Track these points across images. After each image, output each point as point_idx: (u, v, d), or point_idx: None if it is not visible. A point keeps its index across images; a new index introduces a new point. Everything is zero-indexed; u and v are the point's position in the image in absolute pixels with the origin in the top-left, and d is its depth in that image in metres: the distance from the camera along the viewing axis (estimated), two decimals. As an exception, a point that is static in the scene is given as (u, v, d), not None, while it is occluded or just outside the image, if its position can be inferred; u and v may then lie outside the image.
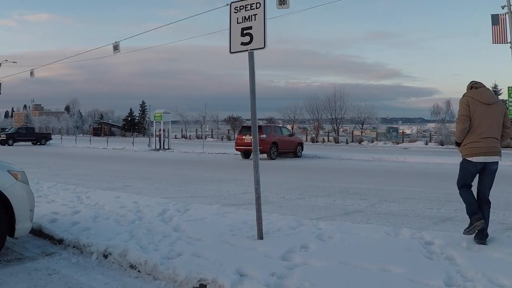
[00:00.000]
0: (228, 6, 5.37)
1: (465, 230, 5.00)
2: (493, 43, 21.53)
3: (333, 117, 56.47)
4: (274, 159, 21.26)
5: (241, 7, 5.23)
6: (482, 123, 4.87)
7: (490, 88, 5.33)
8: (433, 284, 3.67)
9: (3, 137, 37.90)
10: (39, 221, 6.32)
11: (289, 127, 46.94)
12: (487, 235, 4.98)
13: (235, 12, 5.29)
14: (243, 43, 5.19)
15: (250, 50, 5.15)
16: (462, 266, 4.13)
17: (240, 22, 5.23)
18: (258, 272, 3.94)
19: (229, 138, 52.14)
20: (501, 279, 3.74)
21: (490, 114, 4.91)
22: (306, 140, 44.47)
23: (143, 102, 75.42)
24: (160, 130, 31.08)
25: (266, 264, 4.20)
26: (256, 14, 5.12)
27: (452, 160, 17.56)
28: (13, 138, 38.27)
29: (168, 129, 32.35)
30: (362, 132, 53.15)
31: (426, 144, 39.84)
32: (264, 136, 20.93)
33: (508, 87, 23.79)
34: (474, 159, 4.92)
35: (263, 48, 5.05)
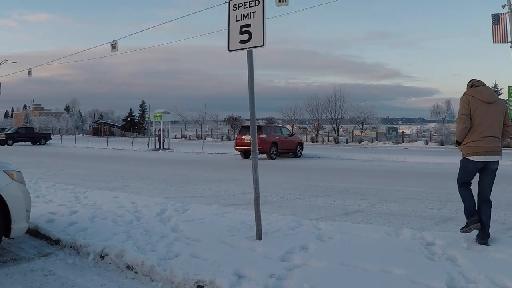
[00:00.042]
0: (227, 4, 5.30)
1: (461, 228, 5.04)
2: (493, 42, 21.47)
3: (333, 117, 56.40)
4: (274, 159, 21.19)
5: (240, 5, 5.16)
6: (483, 122, 4.82)
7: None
8: (435, 286, 3.61)
9: (3, 137, 37.83)
10: (36, 221, 6.27)
11: (289, 127, 46.86)
12: (489, 235, 4.93)
13: (233, 10, 5.23)
14: (241, 41, 5.13)
15: (249, 48, 5.09)
16: (464, 267, 4.06)
17: (239, 20, 5.16)
18: (257, 273, 3.88)
19: (229, 138, 52.07)
20: (504, 281, 3.68)
21: (490, 113, 4.86)
22: (306, 140, 44.41)
23: (143, 102, 75.44)
24: (159, 130, 31.01)
25: (265, 265, 4.13)
26: (255, 12, 5.05)
27: (452, 160, 17.48)
28: (12, 138, 38.20)
29: (168, 129, 32.28)
30: (362, 132, 53.07)
31: (426, 144, 39.76)
32: (264, 136, 20.86)
33: (509, 87, 23.73)
34: (475, 158, 4.88)
35: (262, 46, 4.98)
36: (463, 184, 5.09)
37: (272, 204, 8.49)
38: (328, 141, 48.30)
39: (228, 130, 61.69)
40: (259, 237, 5.09)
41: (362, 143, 43.22)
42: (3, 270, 4.59)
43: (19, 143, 38.39)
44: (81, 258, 4.99)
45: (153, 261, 4.30)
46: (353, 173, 14.94)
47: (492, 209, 5.06)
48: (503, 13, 21.22)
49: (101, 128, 77.36)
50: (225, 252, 4.64)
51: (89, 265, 4.78)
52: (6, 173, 4.95)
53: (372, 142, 43.07)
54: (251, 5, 5.07)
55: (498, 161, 4.95)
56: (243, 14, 5.13)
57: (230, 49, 5.25)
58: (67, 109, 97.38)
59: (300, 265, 4.17)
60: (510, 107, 21.59)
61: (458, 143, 5.10)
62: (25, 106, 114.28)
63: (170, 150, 29.83)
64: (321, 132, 53.78)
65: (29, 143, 39.29)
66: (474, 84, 5.08)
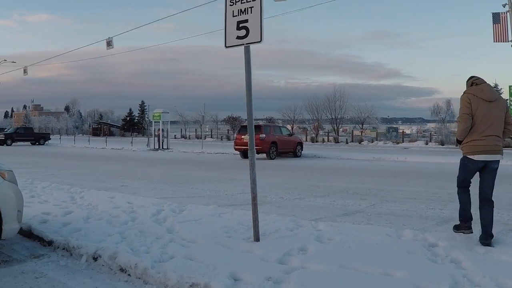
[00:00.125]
0: (224, -1, 5.17)
1: (454, 226, 5.25)
2: (494, 41, 21.41)
3: (333, 117, 56.35)
4: (273, 159, 21.07)
5: (237, 0, 5.03)
6: (484, 121, 4.75)
7: (490, 86, 5.19)
8: (439, 289, 3.47)
9: (2, 137, 37.68)
10: (30, 222, 6.16)
11: (289, 127, 46.73)
12: (492, 236, 4.82)
13: (230, 5, 5.10)
14: (238, 37, 5.00)
15: (246, 44, 4.96)
16: (469, 269, 3.93)
17: (236, 15, 5.04)
18: (253, 277, 3.74)
19: (228, 138, 51.95)
20: (511, 284, 3.54)
21: (492, 112, 4.78)
22: (306, 140, 44.31)
23: (143, 102, 75.29)
24: (159, 130, 30.90)
25: (262, 268, 3.99)
26: (253, 7, 4.92)
27: (453, 159, 17.34)
28: (11, 138, 38.09)
29: (167, 129, 32.15)
30: (362, 132, 52.96)
31: (426, 144, 39.65)
32: (264, 135, 20.74)
33: (510, 86, 23.64)
34: (476, 157, 4.82)
35: (259, 42, 4.85)
36: (463, 184, 5.04)
37: (271, 204, 8.36)
38: (328, 141, 48.19)
39: (228, 130, 61.54)
40: (257, 238, 4.96)
41: (362, 143, 43.11)
42: (-7, 272, 4.47)
43: (18, 143, 38.29)
44: (74, 260, 4.86)
45: (147, 263, 4.16)
46: (353, 173, 14.81)
47: (494, 209, 4.97)
48: (504, 12, 21.15)
49: (101, 128, 77.28)
50: (221, 254, 4.50)
51: (81, 267, 4.65)
52: (-3, 173, 4.82)
53: (372, 142, 42.95)
54: (248, 0, 4.94)
55: (499, 160, 4.89)
56: (240, 10, 5.01)
57: (227, 45, 5.13)
58: (67, 109, 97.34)
59: (298, 268, 4.03)
60: (511, 107, 21.50)
61: (459, 142, 5.03)
62: (25, 106, 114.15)
63: (169, 150, 29.72)
64: (321, 132, 53.67)
65: (28, 143, 39.18)
66: (474, 82, 4.99)
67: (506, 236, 5.52)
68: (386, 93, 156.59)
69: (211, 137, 57.65)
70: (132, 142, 37.91)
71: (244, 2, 4.97)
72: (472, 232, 5.08)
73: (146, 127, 57.91)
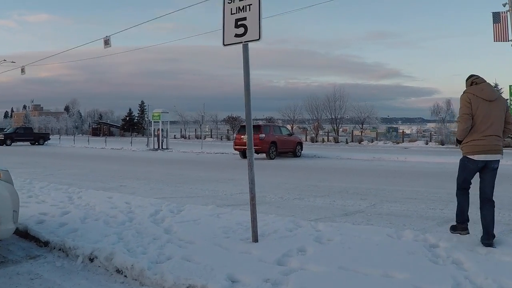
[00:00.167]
0: (222, -4, 5.10)
1: (451, 227, 5.31)
2: (494, 41, 21.36)
3: (333, 117, 56.34)
4: (273, 158, 21.01)
5: (235, -3, 4.96)
6: (485, 121, 4.71)
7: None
8: (440, 291, 3.41)
9: (1, 137, 37.59)
10: (26, 222, 6.10)
11: (288, 127, 46.67)
12: (494, 236, 4.77)
13: (228, 3, 5.03)
14: (237, 35, 4.93)
15: (245, 42, 4.89)
16: (470, 271, 3.86)
17: (234, 13, 4.97)
18: (251, 278, 3.67)
19: (228, 138, 51.89)
20: (513, 286, 3.48)
21: (492, 112, 4.75)
22: (306, 140, 44.24)
23: (142, 102, 75.13)
24: (158, 130, 30.82)
25: (260, 269, 3.92)
26: (251, 5, 4.85)
27: (453, 159, 17.27)
28: (11, 138, 38.01)
29: (167, 129, 32.07)
30: (362, 132, 52.90)
31: (427, 143, 39.59)
32: (263, 135, 20.68)
33: (510, 86, 23.57)
34: (476, 157, 4.78)
35: (258, 40, 4.79)
36: (463, 185, 5.01)
37: (270, 204, 8.30)
38: (328, 141, 48.13)
39: (228, 130, 61.48)
40: (255, 239, 4.89)
41: (362, 143, 43.05)
42: (-12, 273, 4.41)
43: (18, 143, 38.22)
44: (70, 261, 4.80)
45: (143, 265, 4.10)
46: (353, 173, 14.75)
47: (495, 209, 4.92)
48: (504, 12, 21.11)
49: (100, 128, 77.21)
50: (219, 255, 4.43)
51: (77, 268, 4.59)
52: (-8, 173, 4.76)
53: (372, 142, 42.88)
54: (246, -2, 4.87)
55: (499, 160, 4.85)
56: (239, 7, 4.94)
57: (225, 44, 5.06)
58: (66, 109, 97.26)
59: (297, 269, 3.95)
60: (511, 106, 21.42)
61: (459, 141, 5.00)
62: (24, 106, 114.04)
63: (169, 150, 29.65)
64: (320, 132, 53.62)
65: (28, 143, 39.11)
66: (474, 81, 4.94)
67: (507, 237, 5.46)
68: (386, 93, 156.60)
69: (211, 137, 57.58)
70: (131, 142, 37.86)
71: (242, 0, 4.90)
72: (468, 233, 5.12)
73: (145, 127, 57.83)
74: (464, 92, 4.93)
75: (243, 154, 21.47)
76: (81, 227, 5.74)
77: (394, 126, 75.64)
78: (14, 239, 5.68)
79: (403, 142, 42.92)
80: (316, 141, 46.60)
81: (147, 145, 33.30)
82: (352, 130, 55.96)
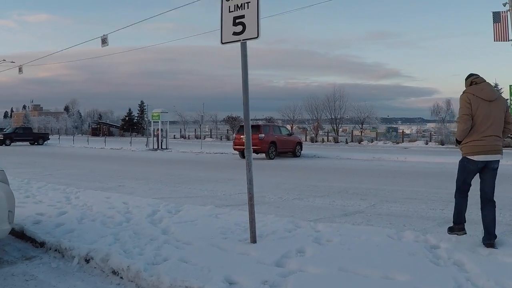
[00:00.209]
0: (220, -6, 5.04)
1: (448, 228, 5.31)
2: (494, 40, 21.29)
3: (333, 117, 56.31)
4: (272, 158, 20.94)
5: (233, -5, 4.89)
6: (484, 121, 4.66)
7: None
8: (441, 294, 3.34)
9: (1, 137, 37.51)
10: (23, 222, 6.05)
11: (288, 127, 46.61)
12: (495, 236, 4.72)
13: (226, 0, 4.96)
14: (235, 33, 4.86)
15: (243, 40, 4.82)
16: (472, 272, 3.79)
17: (232, 11, 4.90)
18: (249, 280, 3.61)
19: (228, 138, 51.81)
20: (516, 288, 3.41)
21: (492, 112, 4.70)
22: (306, 140, 44.17)
23: (142, 102, 74.98)
24: (157, 130, 30.75)
25: (258, 271, 3.85)
26: (249, 2, 4.78)
27: (453, 159, 17.19)
28: (10, 138, 37.93)
29: (166, 129, 31.98)
30: (361, 132, 52.83)
31: (426, 143, 39.54)
32: (263, 135, 20.62)
33: (510, 86, 23.51)
34: (476, 157, 4.74)
35: (256, 38, 4.72)
36: (463, 187, 4.99)
37: (270, 204, 8.23)
38: (327, 141, 48.06)
39: (227, 130, 61.42)
40: (253, 240, 4.82)
41: (361, 143, 42.98)
42: (-18, 274, 4.35)
43: (17, 143, 38.13)
44: (66, 262, 4.74)
45: (140, 266, 4.03)
46: (352, 173, 14.69)
47: (496, 209, 4.86)
48: (504, 11, 21.03)
49: (100, 128, 77.15)
50: (217, 256, 4.36)
51: (73, 269, 4.53)
52: (-13, 173, 4.70)
53: (371, 142, 42.82)
54: (245, -5, 4.80)
55: (499, 160, 4.81)
56: (237, 5, 4.87)
57: (223, 42, 4.99)
58: (66, 109, 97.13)
59: (296, 271, 3.88)
60: (511, 106, 21.37)
61: (458, 142, 4.96)
62: (24, 107, 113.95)
63: (168, 150, 29.58)
64: (320, 132, 53.55)
65: (27, 143, 39.03)
66: (474, 81, 4.89)
67: (509, 237, 5.40)
68: (385, 93, 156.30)
69: (211, 137, 57.52)
70: (131, 142, 37.79)
71: (241, -3, 4.83)
72: (465, 233, 5.13)
73: (145, 127, 57.80)
74: (463, 92, 4.88)
75: (243, 154, 21.37)
76: (77, 228, 5.68)
77: (394, 126, 75.58)
78: (10, 239, 5.62)
79: (403, 142, 42.86)
80: (316, 141, 46.53)
81: (146, 145, 33.23)
82: (352, 130, 55.88)
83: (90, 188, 9.71)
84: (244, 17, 4.80)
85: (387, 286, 3.51)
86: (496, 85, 39.02)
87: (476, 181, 4.98)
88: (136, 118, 76.29)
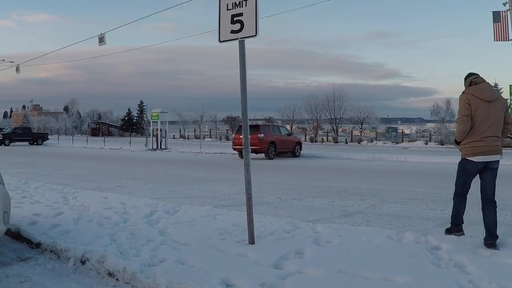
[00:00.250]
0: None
1: (446, 230, 5.31)
2: (494, 40, 21.25)
3: (332, 117, 56.33)
4: (272, 158, 20.88)
5: (231, -8, 4.82)
6: (484, 122, 4.63)
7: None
8: (443, 296, 3.27)
9: (0, 137, 37.47)
10: (19, 223, 5.99)
11: (288, 127, 46.57)
12: (497, 237, 4.68)
13: (224, -2, 4.89)
14: (233, 31, 4.79)
15: (241, 38, 4.76)
16: (474, 274, 3.72)
17: (230, 9, 4.84)
18: (247, 282, 3.54)
19: (227, 138, 51.78)
20: (519, 290, 3.34)
21: (491, 112, 4.67)
22: (305, 140, 44.11)
23: (141, 102, 74.93)
24: (157, 129, 30.67)
25: (256, 273, 3.78)
26: (247, 0, 4.71)
27: (453, 159, 17.10)
28: (9, 138, 37.83)
29: (166, 129, 31.91)
30: (361, 132, 52.80)
31: (426, 143, 39.49)
32: (262, 135, 20.55)
33: (510, 85, 23.47)
34: (475, 158, 4.71)
35: (254, 36, 4.66)
36: (463, 189, 4.98)
37: (268, 205, 8.16)
38: (327, 141, 48.01)
39: (227, 130, 61.38)
40: (251, 241, 4.75)
41: (361, 143, 42.93)
42: (-24, 276, 4.28)
43: (16, 143, 38.05)
44: (61, 263, 4.67)
45: (136, 268, 3.96)
46: (352, 173, 14.62)
47: (497, 209, 4.83)
48: (504, 11, 20.98)
49: (100, 128, 77.08)
50: (214, 257, 4.29)
51: (68, 271, 4.46)
52: (-19, 173, 4.63)
53: (371, 142, 42.77)
54: (243, -7, 4.73)
55: (498, 160, 4.79)
56: (235, 3, 4.81)
57: (220, 40, 4.93)
58: (66, 109, 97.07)
59: (295, 273, 3.80)
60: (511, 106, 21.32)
61: (457, 142, 4.92)
62: (24, 107, 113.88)
63: (167, 150, 29.50)
64: (320, 132, 53.52)
65: (26, 143, 38.94)
66: (473, 81, 4.84)
67: (510, 238, 5.32)
68: (385, 93, 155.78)
69: (210, 137, 57.48)
70: (130, 142, 37.74)
71: (239, -5, 4.76)
72: (463, 234, 5.12)
73: (144, 127, 57.74)
74: (463, 93, 4.85)
75: (242, 154, 21.33)
76: (74, 229, 5.61)
77: (394, 126, 75.53)
78: (5, 240, 5.57)
79: (402, 142, 42.80)
80: (316, 141, 46.49)
81: (145, 145, 33.16)
82: (352, 130, 55.85)
83: (88, 188, 9.64)
84: (242, 15, 4.74)
85: (388, 289, 3.44)
86: (496, 85, 39.03)
87: (476, 182, 4.93)
88: (135, 118, 76.25)
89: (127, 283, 3.95)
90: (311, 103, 57.23)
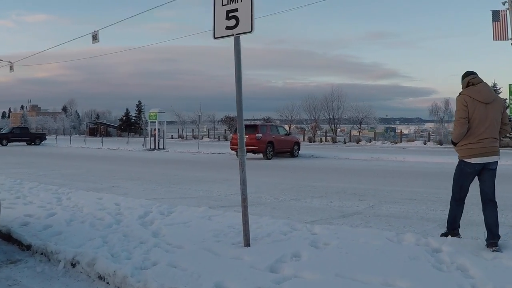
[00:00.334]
0: (212, -13, 4.84)
1: (441, 234, 5.15)
2: (493, 40, 21.13)
3: (331, 117, 56.25)
4: (270, 158, 20.75)
5: (227, -12, 4.70)
6: (481, 124, 4.57)
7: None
8: (445, 301, 3.14)
9: (-3, 137, 37.30)
10: (10, 224, 5.84)
11: (286, 127, 46.46)
12: (499, 236, 4.58)
13: (219, -7, 4.76)
14: (228, 27, 4.66)
15: (236, 34, 4.62)
16: (477, 278, 3.59)
17: (225, 4, 4.70)
18: (241, 287, 3.40)
19: (225, 138, 51.64)
20: (524, 295, 3.21)
21: (489, 114, 4.60)
22: (304, 140, 44.01)
23: (140, 102, 74.88)
24: (154, 129, 30.53)
25: (251, 277, 3.64)
26: (243, -5, 4.58)
27: (451, 159, 17.00)
28: (7, 138, 37.65)
29: (164, 129, 31.76)
30: (360, 132, 52.74)
31: (425, 143, 39.41)
32: (260, 135, 20.41)
33: (509, 85, 23.38)
34: (472, 160, 4.65)
35: (250, 32, 4.52)
36: (461, 193, 4.88)
37: (265, 205, 8.03)
38: (325, 141, 47.91)
39: (225, 130, 61.26)
40: (247, 243, 4.61)
41: (360, 143, 42.83)
42: (-37, 279, 4.14)
43: (14, 143, 37.86)
44: (51, 266, 4.54)
45: (126, 271, 3.82)
46: (351, 173, 14.50)
47: (498, 210, 4.73)
48: (504, 10, 20.88)
49: (98, 128, 76.93)
50: (208, 260, 4.16)
51: (58, 274, 4.33)
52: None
53: (370, 142, 42.67)
54: (238, -12, 4.60)
55: (496, 161, 4.71)
56: (230, -2, 4.67)
57: (215, 36, 4.80)
58: (64, 109, 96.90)
59: (291, 277, 3.67)
60: (511, 106, 21.25)
61: (454, 143, 4.85)
62: (22, 107, 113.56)
63: (165, 150, 29.36)
64: (318, 132, 53.46)
65: (24, 143, 38.77)
66: (471, 81, 4.74)
67: (512, 240, 5.20)
68: (384, 93, 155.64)
69: (208, 137, 57.36)
70: (128, 142, 37.59)
71: (234, -10, 4.63)
72: (460, 238, 5.02)
73: (142, 127, 57.55)
74: (460, 94, 4.77)
75: (240, 154, 21.20)
76: (65, 230, 5.47)
77: (392, 126, 75.36)
78: (-4, 242, 5.43)
79: (401, 142, 42.74)
80: (314, 141, 46.40)
81: (143, 145, 33.01)
82: (350, 130, 55.77)
83: (83, 189, 9.49)
84: (237, 11, 4.60)
85: (387, 293, 3.31)
86: (495, 85, 38.92)
87: (475, 182, 4.84)
88: (133, 118, 76.12)
89: (118, 287, 3.82)
90: (309, 103, 57.22)
